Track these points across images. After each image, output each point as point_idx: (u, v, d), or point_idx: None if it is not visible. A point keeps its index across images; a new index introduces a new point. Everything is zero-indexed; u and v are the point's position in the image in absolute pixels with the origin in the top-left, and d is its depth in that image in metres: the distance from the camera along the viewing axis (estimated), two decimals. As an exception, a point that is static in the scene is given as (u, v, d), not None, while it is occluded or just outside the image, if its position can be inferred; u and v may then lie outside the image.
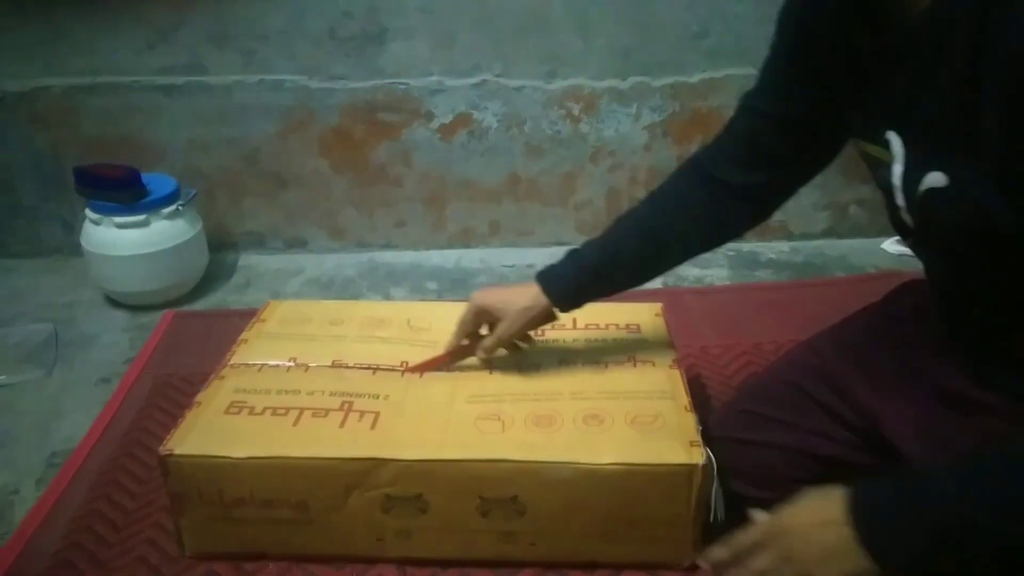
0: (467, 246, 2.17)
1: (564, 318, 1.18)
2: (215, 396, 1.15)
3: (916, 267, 2.00)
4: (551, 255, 2.07)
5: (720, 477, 1.04)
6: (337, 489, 1.05)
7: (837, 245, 2.15)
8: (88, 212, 1.84)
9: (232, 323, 1.42)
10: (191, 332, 1.77)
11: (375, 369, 1.22)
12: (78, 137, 1.99)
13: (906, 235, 0.89)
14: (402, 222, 2.15)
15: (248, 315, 1.39)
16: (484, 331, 1.19)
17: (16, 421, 1.51)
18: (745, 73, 1.98)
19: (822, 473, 1.06)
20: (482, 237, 2.17)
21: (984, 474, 0.71)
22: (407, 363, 1.23)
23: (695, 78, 2.00)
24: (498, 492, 1.04)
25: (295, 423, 1.09)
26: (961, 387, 0.91)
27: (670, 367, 1.21)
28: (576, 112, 2.02)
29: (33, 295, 1.97)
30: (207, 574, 1.13)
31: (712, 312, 1.79)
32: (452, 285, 2.01)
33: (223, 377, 1.20)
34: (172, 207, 1.85)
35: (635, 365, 1.22)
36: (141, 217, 1.81)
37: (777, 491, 1.08)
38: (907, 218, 0.84)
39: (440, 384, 1.18)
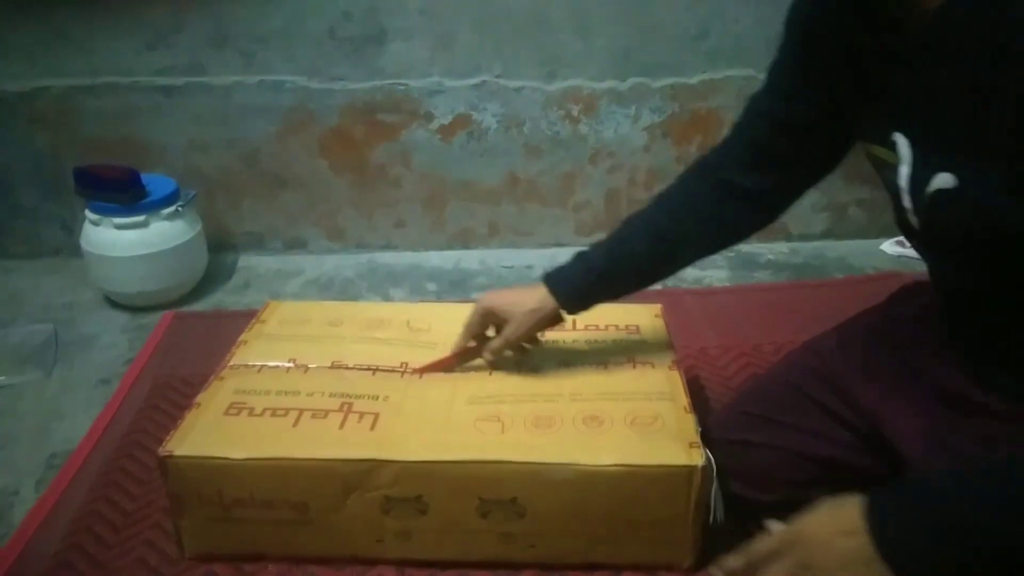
0: (466, 247, 2.17)
1: (566, 319, 1.18)
2: (215, 397, 1.15)
3: (915, 268, 2.00)
4: (550, 256, 2.10)
5: (719, 478, 1.04)
6: (337, 490, 1.05)
7: (836, 246, 2.15)
8: (88, 213, 1.84)
9: (232, 324, 1.42)
10: (191, 333, 1.77)
11: (375, 370, 1.22)
12: (78, 138, 1.99)
13: (911, 236, 0.89)
14: (401, 223, 2.15)
15: (248, 316, 1.39)
16: (491, 333, 1.20)
17: (16, 422, 1.51)
18: (744, 74, 1.98)
19: (821, 475, 1.06)
20: (481, 238, 2.17)
21: (1002, 480, 0.71)
22: (407, 364, 1.24)
23: (694, 79, 2.00)
24: (498, 493, 1.04)
25: (295, 424, 1.09)
26: (962, 389, 0.91)
27: (669, 368, 1.21)
28: (575, 113, 2.02)
29: (33, 296, 1.97)
30: (207, 575, 1.13)
31: (711, 313, 1.79)
32: (451, 286, 2.01)
33: (223, 378, 1.20)
34: (172, 208, 1.85)
35: (634, 366, 1.22)
36: (141, 218, 1.81)
37: (777, 493, 1.09)
38: (913, 220, 0.84)
39: (440, 385, 1.18)
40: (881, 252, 2.11)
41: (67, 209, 2.04)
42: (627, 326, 1.32)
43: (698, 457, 1.02)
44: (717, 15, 1.93)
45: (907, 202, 0.83)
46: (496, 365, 1.20)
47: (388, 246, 2.17)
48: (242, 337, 1.31)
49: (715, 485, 1.04)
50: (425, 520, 1.07)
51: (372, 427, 1.09)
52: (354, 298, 1.97)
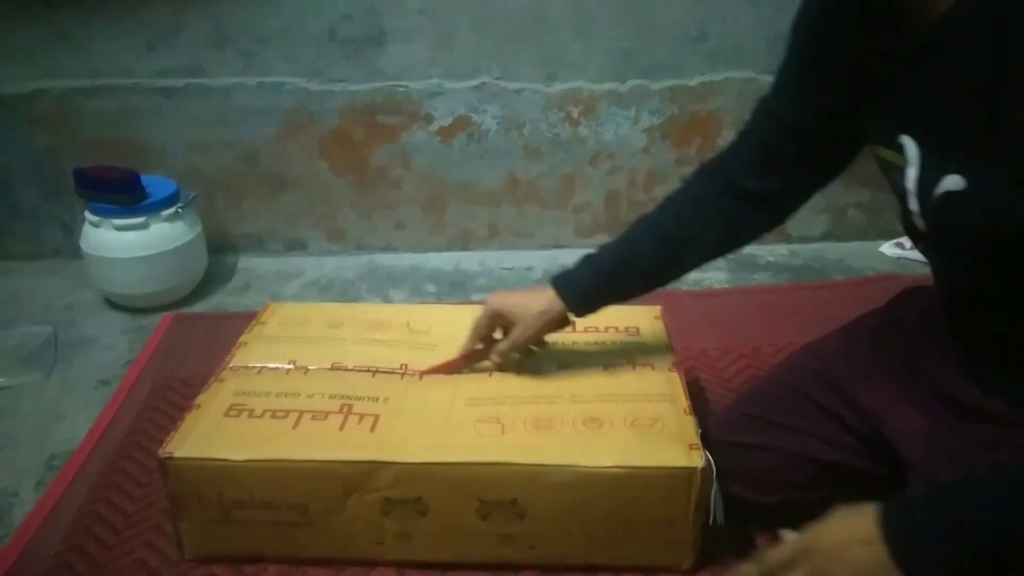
0: (466, 248, 2.17)
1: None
2: (215, 398, 1.15)
3: (914, 270, 2.00)
4: (550, 258, 2.10)
5: (719, 480, 1.04)
6: (337, 492, 1.05)
7: (836, 248, 2.15)
8: (88, 214, 1.84)
9: (231, 325, 1.42)
10: (190, 334, 1.77)
11: (375, 372, 1.22)
12: (78, 139, 1.99)
13: (917, 239, 0.89)
14: (401, 224, 2.15)
15: (247, 317, 1.39)
16: (498, 335, 1.20)
17: (15, 423, 1.51)
18: (744, 76, 1.99)
19: (821, 476, 1.06)
20: (481, 240, 2.17)
21: (1016, 488, 0.71)
22: (407, 366, 1.24)
23: (694, 81, 2.00)
24: (497, 495, 1.04)
25: (295, 426, 1.09)
26: (964, 392, 0.91)
27: (669, 370, 1.21)
28: (575, 115, 2.02)
29: (32, 297, 1.97)
30: (206, 576, 1.13)
31: (711, 315, 1.79)
32: (451, 288, 2.01)
33: (223, 379, 1.20)
34: (171, 209, 1.85)
35: (634, 368, 1.22)
36: (140, 219, 1.81)
37: (776, 494, 1.09)
38: (919, 222, 0.84)
39: (440, 387, 1.18)
40: (880, 254, 2.12)
41: (67, 210, 2.04)
42: (627, 328, 1.32)
43: (698, 459, 1.02)
44: (717, 17, 1.93)
45: (914, 205, 0.83)
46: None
47: (388, 248, 2.17)
48: (242, 339, 1.31)
49: (715, 487, 1.04)
50: (425, 522, 1.07)
51: (372, 429, 1.09)
52: (354, 299, 1.97)
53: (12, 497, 1.34)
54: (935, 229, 0.83)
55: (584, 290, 1.13)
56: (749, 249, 2.11)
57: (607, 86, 2.00)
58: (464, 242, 2.17)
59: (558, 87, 1.99)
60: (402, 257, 2.15)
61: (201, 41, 1.91)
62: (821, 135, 0.98)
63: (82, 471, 1.35)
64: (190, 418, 1.11)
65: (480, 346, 1.21)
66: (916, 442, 0.94)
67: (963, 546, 0.70)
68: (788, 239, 2.16)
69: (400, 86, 1.98)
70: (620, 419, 1.09)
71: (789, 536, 0.84)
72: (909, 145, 0.82)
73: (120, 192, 1.80)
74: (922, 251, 0.93)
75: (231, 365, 1.24)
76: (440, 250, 2.17)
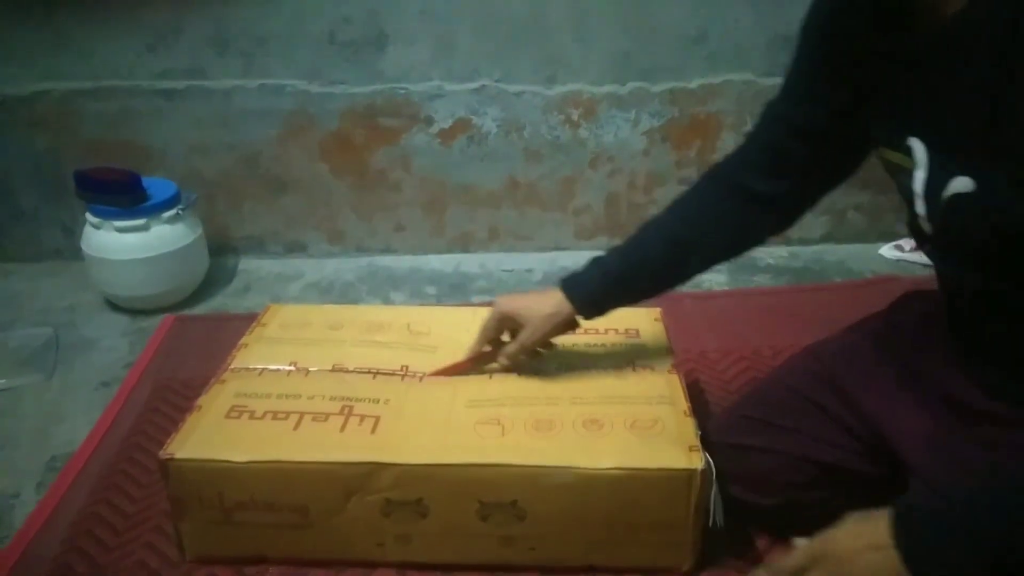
0: (466, 251, 2.18)
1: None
2: (216, 400, 1.15)
3: (913, 272, 2.01)
4: (550, 260, 2.11)
5: (719, 482, 1.04)
6: (337, 493, 1.05)
7: (835, 250, 2.15)
8: (88, 216, 1.84)
9: (232, 327, 1.42)
10: (191, 336, 1.77)
11: (375, 373, 1.22)
12: (78, 141, 1.99)
13: (924, 241, 0.89)
14: (401, 227, 2.15)
15: (248, 319, 1.39)
16: (505, 337, 1.20)
17: (16, 425, 1.52)
18: (744, 79, 1.99)
19: (821, 478, 1.06)
20: (481, 242, 2.17)
21: None
22: (407, 367, 1.24)
23: (694, 83, 2.00)
24: (498, 496, 1.05)
25: (296, 427, 1.09)
26: (968, 396, 0.91)
27: (669, 372, 1.21)
28: (575, 117, 2.03)
29: (33, 299, 1.97)
30: (207, 578, 1.13)
31: (711, 317, 1.79)
32: (451, 290, 2.02)
33: (224, 381, 1.20)
34: (172, 211, 1.85)
35: (634, 370, 1.22)
36: (141, 221, 1.81)
37: (776, 496, 1.09)
38: (926, 225, 0.84)
39: (440, 388, 1.18)
40: (880, 256, 2.12)
41: (68, 212, 2.05)
42: (627, 330, 1.32)
43: (698, 461, 1.02)
44: (716, 19, 1.94)
45: (921, 207, 0.83)
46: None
47: (388, 250, 2.17)
48: (243, 340, 1.31)
49: (715, 488, 1.04)
50: (425, 523, 1.07)
51: (373, 430, 1.09)
52: (354, 301, 1.97)
53: (13, 499, 1.34)
54: (942, 232, 0.83)
55: (592, 293, 1.13)
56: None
57: (607, 88, 2.00)
58: (464, 244, 2.18)
59: (558, 89, 2.00)
60: (402, 259, 2.16)
61: (202, 43, 1.92)
62: (830, 137, 0.98)
63: (83, 473, 1.35)
64: (191, 420, 1.11)
65: (488, 348, 1.21)
66: (917, 444, 0.94)
67: (976, 552, 0.70)
68: (788, 241, 2.17)
69: (400, 88, 1.98)
70: (620, 421, 1.09)
71: (799, 543, 0.84)
72: (917, 147, 0.82)
73: (121, 194, 1.80)
74: (927, 253, 0.93)
75: (232, 367, 1.24)
76: (440, 252, 2.17)
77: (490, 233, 2.16)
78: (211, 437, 1.08)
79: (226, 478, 1.05)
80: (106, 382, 1.64)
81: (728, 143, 2.05)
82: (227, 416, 1.12)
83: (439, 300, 1.97)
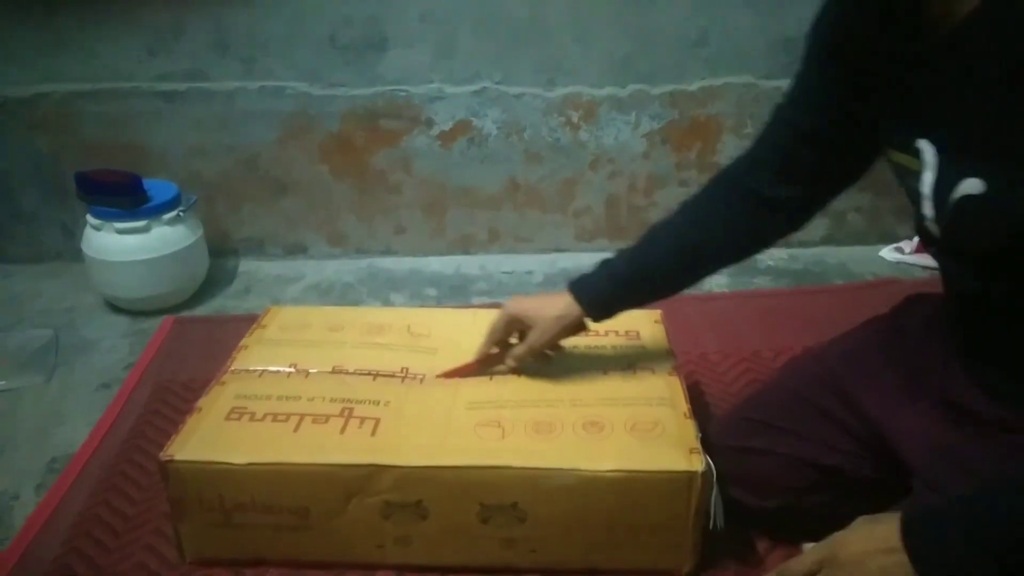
0: (466, 253, 2.18)
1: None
2: (216, 402, 1.15)
3: (913, 275, 2.01)
4: (550, 262, 2.11)
5: (720, 484, 1.04)
6: (337, 495, 1.05)
7: (835, 252, 2.15)
8: (89, 218, 1.84)
9: (232, 329, 1.42)
10: (191, 338, 1.77)
11: (375, 375, 1.22)
12: (79, 143, 1.99)
13: (930, 244, 0.89)
14: (402, 228, 2.15)
15: (248, 321, 1.39)
16: (514, 340, 1.20)
17: (16, 426, 1.51)
18: (744, 81, 1.99)
19: (822, 482, 1.06)
20: (481, 244, 2.17)
21: None
22: (407, 369, 1.24)
23: (694, 86, 2.00)
24: (498, 499, 1.05)
25: (296, 429, 1.09)
26: (972, 401, 0.90)
27: (669, 374, 1.21)
28: (575, 120, 2.03)
29: (33, 300, 1.97)
30: (207, 580, 1.13)
31: (711, 319, 1.79)
32: (451, 291, 2.02)
33: (223, 383, 1.20)
34: (173, 213, 1.85)
35: (634, 372, 1.22)
36: (142, 223, 1.81)
37: (777, 499, 1.09)
38: (933, 228, 0.84)
39: (440, 390, 1.18)
40: (880, 258, 2.12)
41: (68, 214, 2.05)
42: (627, 332, 1.32)
43: (698, 463, 1.02)
44: (716, 22, 1.94)
45: (928, 209, 0.83)
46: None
47: (388, 251, 2.17)
48: (243, 342, 1.31)
49: (715, 491, 1.04)
50: (425, 525, 1.07)
51: (373, 432, 1.09)
52: (354, 303, 1.97)
53: (13, 500, 1.34)
54: (950, 234, 0.83)
55: (601, 295, 1.13)
56: (749, 253, 2.13)
57: (607, 91, 2.00)
58: (464, 246, 2.18)
59: (558, 92, 2.00)
60: (402, 261, 2.16)
61: (202, 45, 1.92)
62: (838, 141, 0.98)
63: (83, 474, 1.35)
64: (191, 421, 1.11)
65: (496, 350, 1.21)
66: (920, 448, 0.94)
67: (987, 555, 0.70)
68: (788, 243, 2.16)
69: (401, 90, 1.98)
70: (620, 423, 1.09)
71: (808, 547, 0.83)
72: (926, 149, 0.82)
73: (121, 196, 1.81)
74: (934, 256, 0.93)
75: (232, 368, 1.24)
76: (440, 254, 2.17)
77: (490, 235, 2.16)
78: (211, 439, 1.08)
79: (226, 480, 1.05)
80: (106, 383, 1.64)
81: (728, 146, 2.05)
82: (227, 418, 1.12)
83: (439, 302, 1.97)
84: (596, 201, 2.13)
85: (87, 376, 1.67)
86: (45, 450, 1.45)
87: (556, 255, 2.16)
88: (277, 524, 1.08)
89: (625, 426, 1.09)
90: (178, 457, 1.05)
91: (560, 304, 1.13)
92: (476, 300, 1.97)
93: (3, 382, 1.62)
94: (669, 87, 2.00)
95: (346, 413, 1.12)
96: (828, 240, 2.18)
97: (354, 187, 2.09)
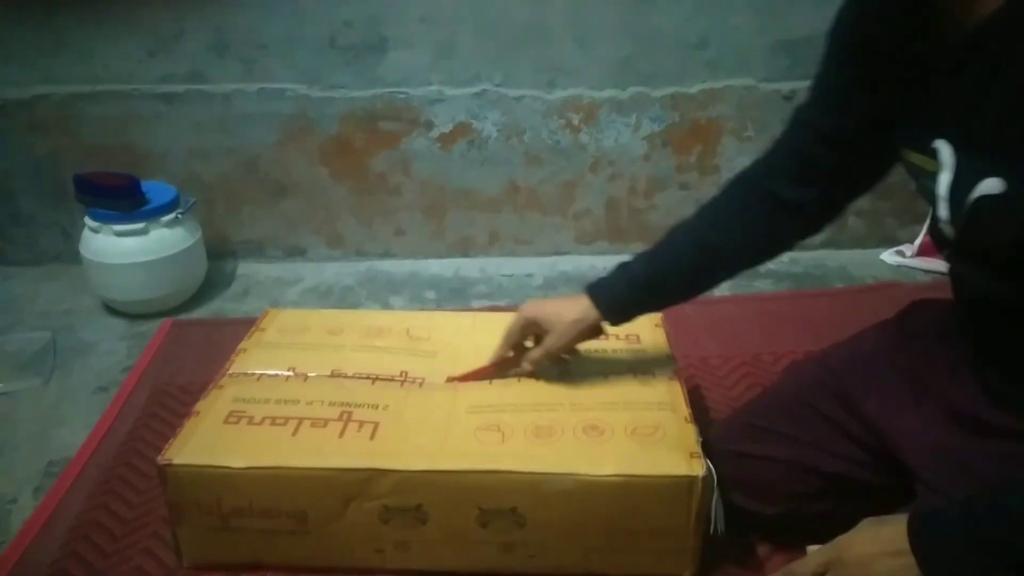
0: (466, 255, 2.17)
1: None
2: (214, 405, 1.15)
3: (914, 278, 2.01)
4: (550, 264, 2.11)
5: (721, 489, 1.03)
6: (336, 499, 1.05)
7: (836, 256, 2.15)
8: (87, 220, 1.83)
9: (231, 332, 1.42)
10: (190, 341, 1.76)
11: (374, 379, 1.22)
12: (78, 145, 1.99)
13: (944, 246, 0.89)
14: (401, 231, 2.15)
15: (247, 324, 1.39)
16: (529, 343, 1.20)
17: (14, 429, 1.51)
18: (744, 84, 1.99)
19: (825, 488, 1.06)
20: (481, 246, 2.17)
21: None
22: (406, 373, 1.23)
23: (694, 89, 2.00)
24: (497, 503, 1.04)
25: (294, 433, 1.09)
26: (979, 409, 0.90)
27: (670, 378, 1.21)
28: (576, 122, 2.02)
29: (31, 303, 1.97)
30: (205, 584, 1.13)
31: (712, 323, 1.78)
32: (451, 294, 2.01)
33: (222, 386, 1.20)
34: (171, 215, 1.85)
35: (635, 376, 1.21)
36: (140, 225, 1.81)
37: (778, 505, 1.09)
38: (947, 229, 0.83)
39: (440, 394, 1.18)
40: (881, 262, 2.11)
41: (67, 216, 2.04)
42: (627, 335, 1.32)
43: (699, 467, 1.01)
44: (717, 24, 1.93)
45: (943, 211, 0.82)
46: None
47: (388, 254, 2.17)
48: (241, 345, 1.31)
49: (716, 495, 1.03)
50: (425, 530, 1.07)
51: (372, 436, 1.08)
52: (353, 306, 1.97)
53: (10, 503, 1.33)
54: (966, 235, 0.82)
55: (619, 298, 1.12)
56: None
57: (607, 93, 2.00)
58: (464, 249, 2.17)
59: (558, 94, 1.99)
60: (402, 263, 2.15)
61: (202, 47, 1.92)
62: (858, 144, 0.97)
63: (80, 477, 1.35)
64: (189, 425, 1.11)
65: (511, 354, 1.21)
66: (925, 456, 0.93)
67: (994, 557, 0.70)
68: (788, 246, 2.16)
69: (400, 93, 1.98)
70: (621, 427, 1.09)
71: (812, 549, 0.83)
72: (944, 150, 0.81)
73: (120, 198, 1.80)
74: (947, 259, 0.92)
75: (230, 372, 1.24)
76: (440, 256, 2.17)
77: (490, 237, 2.16)
78: (209, 443, 1.08)
79: (224, 484, 1.05)
80: (104, 386, 1.63)
81: (729, 148, 2.05)
82: (225, 421, 1.11)
83: (439, 305, 1.97)
84: (596, 203, 2.13)
85: (85, 379, 1.66)
86: (43, 453, 1.44)
87: (556, 258, 2.16)
88: (275, 528, 1.08)
89: (625, 430, 1.08)
90: (176, 461, 1.04)
91: (577, 307, 1.12)
92: (476, 303, 1.96)
93: (1, 385, 1.62)
94: (670, 89, 2.00)
95: (345, 417, 1.12)
96: (829, 243, 2.18)
97: (353, 189, 2.09)
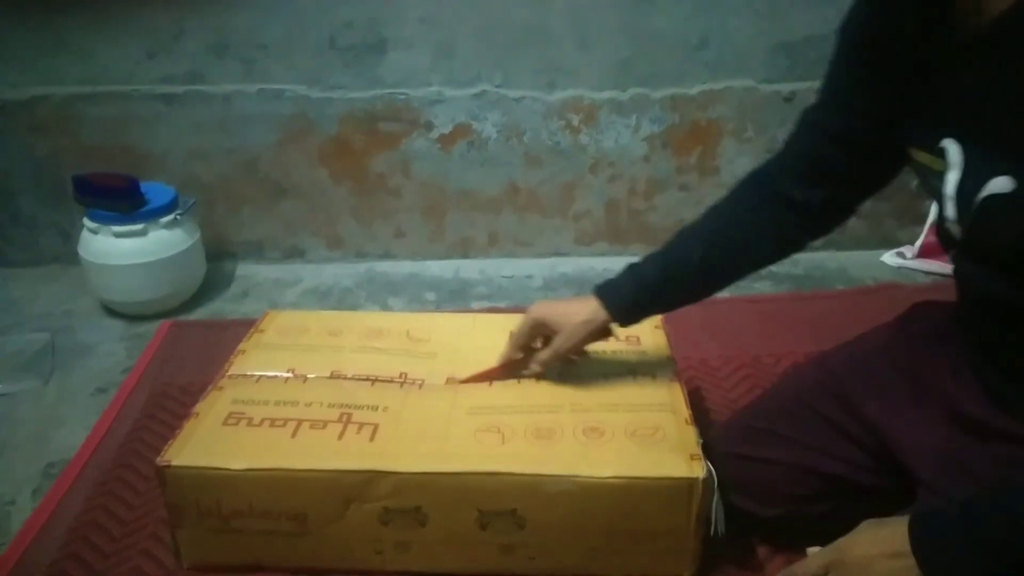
0: (466, 256, 2.17)
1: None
2: (213, 407, 1.15)
3: (915, 280, 2.00)
4: (550, 266, 2.11)
5: (721, 491, 1.03)
6: (336, 501, 1.05)
7: (836, 257, 2.15)
8: (86, 221, 1.83)
9: (230, 333, 1.42)
10: (189, 342, 1.76)
11: (374, 380, 1.22)
12: (77, 146, 1.99)
13: (950, 246, 0.88)
14: (401, 232, 2.15)
15: (246, 325, 1.38)
16: (538, 344, 1.19)
17: (13, 430, 1.51)
18: (745, 85, 1.98)
19: (825, 490, 1.06)
20: (481, 247, 2.17)
21: None
22: (406, 374, 1.23)
23: (694, 90, 2.00)
24: (497, 505, 1.04)
25: (293, 434, 1.09)
26: (981, 412, 0.90)
27: (670, 379, 1.20)
28: (576, 123, 2.02)
29: (30, 304, 1.97)
30: (204, 586, 1.13)
31: (712, 324, 1.78)
32: (451, 295, 2.01)
33: (221, 388, 1.20)
34: (170, 216, 1.85)
35: (635, 377, 1.21)
36: (139, 226, 1.81)
37: (778, 507, 1.09)
38: (954, 229, 0.83)
39: (439, 396, 1.18)
40: (881, 263, 2.11)
41: (66, 217, 2.04)
42: (627, 337, 1.31)
43: (699, 469, 1.01)
44: (717, 26, 1.93)
45: (950, 210, 0.82)
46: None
47: (387, 255, 2.17)
48: (240, 346, 1.31)
49: (716, 497, 1.03)
50: (424, 531, 1.06)
51: (371, 438, 1.08)
52: (353, 307, 1.97)
53: (9, 505, 1.33)
54: (973, 234, 0.82)
55: (628, 300, 1.11)
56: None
57: (607, 94, 2.00)
58: (464, 250, 2.17)
59: (558, 95, 1.99)
60: (401, 265, 2.15)
61: (201, 48, 1.91)
62: (867, 143, 0.96)
63: (80, 479, 1.35)
64: (188, 426, 1.10)
65: (520, 355, 1.20)
66: (926, 456, 0.93)
67: (994, 558, 0.70)
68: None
69: (400, 94, 1.98)
70: (621, 429, 1.09)
71: (813, 551, 0.83)
72: (952, 149, 0.81)
73: (119, 199, 1.80)
74: (952, 259, 0.92)
75: (229, 373, 1.24)
76: (440, 258, 2.17)
77: (490, 239, 2.16)
78: (209, 444, 1.07)
79: (224, 486, 1.05)
80: (103, 387, 1.63)
81: (728, 149, 2.04)
82: (225, 423, 1.11)
83: (438, 306, 1.97)
84: (596, 205, 2.13)
85: (84, 380, 1.66)
86: (42, 454, 1.44)
87: (556, 259, 2.16)
88: (275, 530, 1.07)
89: (625, 432, 1.08)
90: (176, 462, 1.04)
91: (586, 309, 1.12)
92: (475, 304, 1.96)
93: (0, 386, 1.62)
94: (670, 91, 2.00)
95: (344, 418, 1.11)
96: (829, 245, 2.17)
97: (353, 190, 2.09)
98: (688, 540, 1.05)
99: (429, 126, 2.01)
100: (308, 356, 1.27)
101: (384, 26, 1.91)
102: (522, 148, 2.05)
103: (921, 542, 0.73)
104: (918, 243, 2.09)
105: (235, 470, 1.03)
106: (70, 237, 2.01)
